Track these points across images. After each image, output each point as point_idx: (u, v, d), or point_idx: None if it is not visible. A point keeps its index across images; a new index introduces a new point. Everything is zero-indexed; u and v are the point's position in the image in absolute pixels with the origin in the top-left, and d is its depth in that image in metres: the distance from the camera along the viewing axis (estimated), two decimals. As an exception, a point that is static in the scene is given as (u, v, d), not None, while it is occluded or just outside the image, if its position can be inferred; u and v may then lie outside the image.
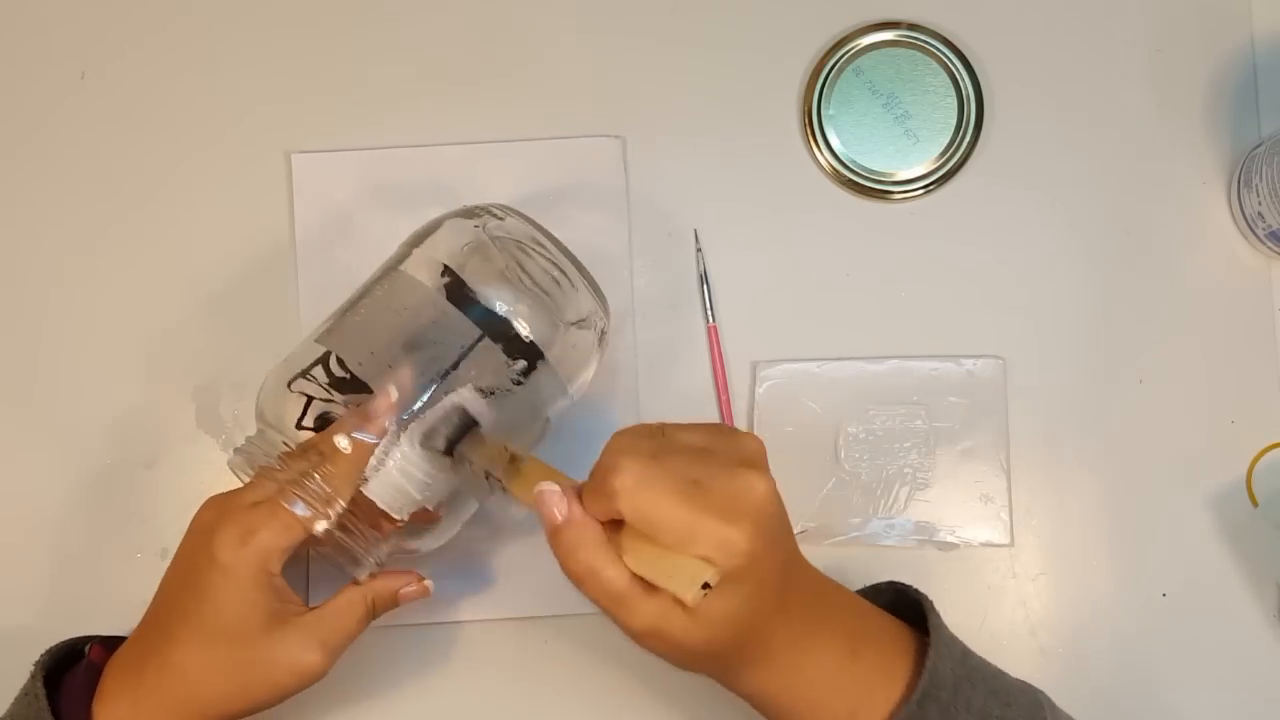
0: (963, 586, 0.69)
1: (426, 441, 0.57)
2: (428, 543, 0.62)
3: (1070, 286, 0.71)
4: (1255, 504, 0.69)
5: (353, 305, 0.62)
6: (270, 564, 0.56)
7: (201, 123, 0.74)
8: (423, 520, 0.60)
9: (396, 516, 0.58)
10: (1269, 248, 0.70)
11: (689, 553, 0.48)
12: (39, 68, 0.74)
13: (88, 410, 0.72)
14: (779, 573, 0.51)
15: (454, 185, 0.71)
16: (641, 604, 0.50)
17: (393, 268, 0.62)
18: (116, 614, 0.70)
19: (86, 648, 0.60)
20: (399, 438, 0.57)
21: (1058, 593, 0.70)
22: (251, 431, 0.61)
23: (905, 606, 0.58)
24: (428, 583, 0.62)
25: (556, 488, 0.51)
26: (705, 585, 0.48)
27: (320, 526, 0.56)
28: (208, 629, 0.56)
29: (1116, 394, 0.70)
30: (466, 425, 0.58)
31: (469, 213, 0.63)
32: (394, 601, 0.60)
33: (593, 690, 0.69)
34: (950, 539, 0.69)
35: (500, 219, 0.62)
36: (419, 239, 0.62)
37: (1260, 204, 0.67)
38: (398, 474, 0.57)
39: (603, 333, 0.64)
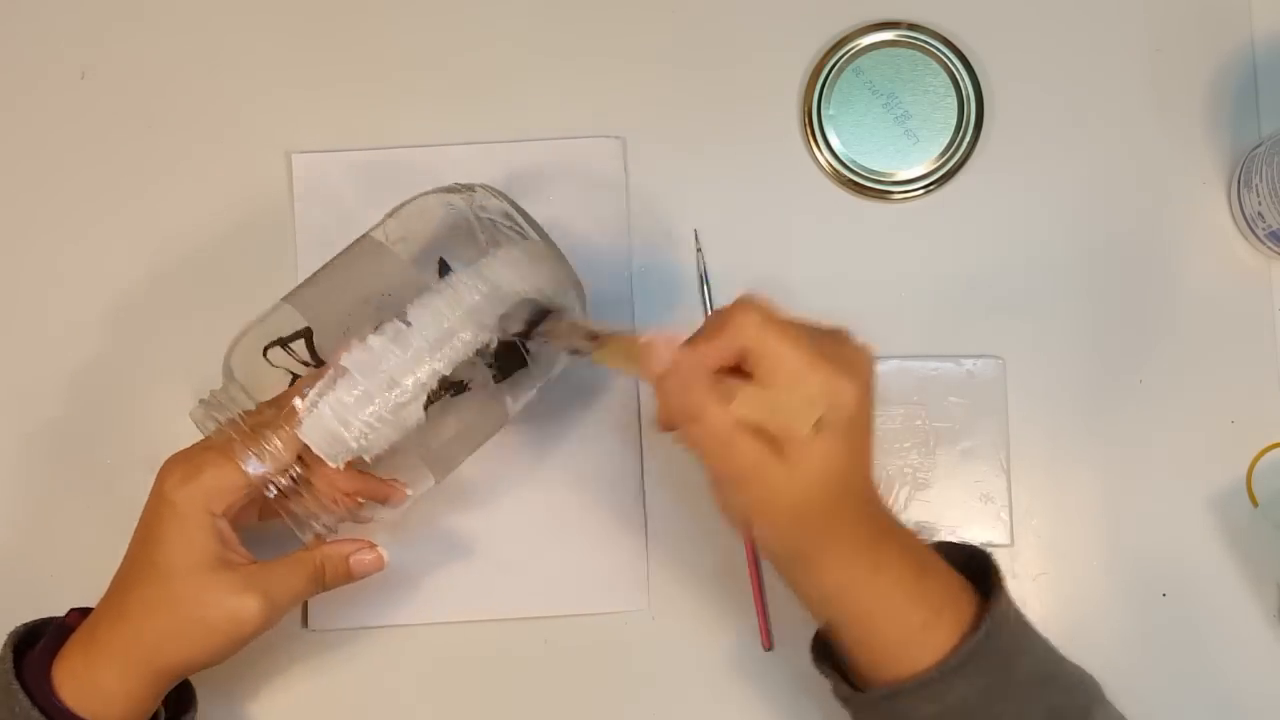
0: None
1: (505, 324, 0.57)
2: (381, 510, 0.62)
3: (1070, 286, 0.71)
4: (1255, 504, 0.69)
5: (325, 270, 0.62)
6: (212, 504, 0.56)
7: (201, 120, 0.74)
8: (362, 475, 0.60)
9: (331, 463, 0.57)
10: (1269, 248, 0.70)
11: (801, 394, 0.50)
12: (39, 68, 0.74)
13: (87, 410, 0.72)
14: (869, 453, 0.53)
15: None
16: (745, 444, 0.50)
17: (367, 236, 0.62)
18: (116, 614, 0.70)
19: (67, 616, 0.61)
20: (334, 382, 0.56)
21: (1058, 593, 0.70)
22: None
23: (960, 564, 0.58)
24: (381, 551, 0.61)
25: (664, 337, 0.52)
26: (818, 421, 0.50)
27: (257, 470, 0.56)
28: (150, 565, 0.57)
29: (1116, 394, 0.70)
30: (543, 311, 0.58)
31: (452, 188, 0.63)
32: (346, 570, 0.60)
33: (592, 691, 0.69)
34: (950, 539, 0.69)
35: (481, 197, 0.62)
36: (397, 210, 0.63)
37: (1260, 204, 0.67)
38: (330, 416, 0.56)
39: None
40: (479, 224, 0.61)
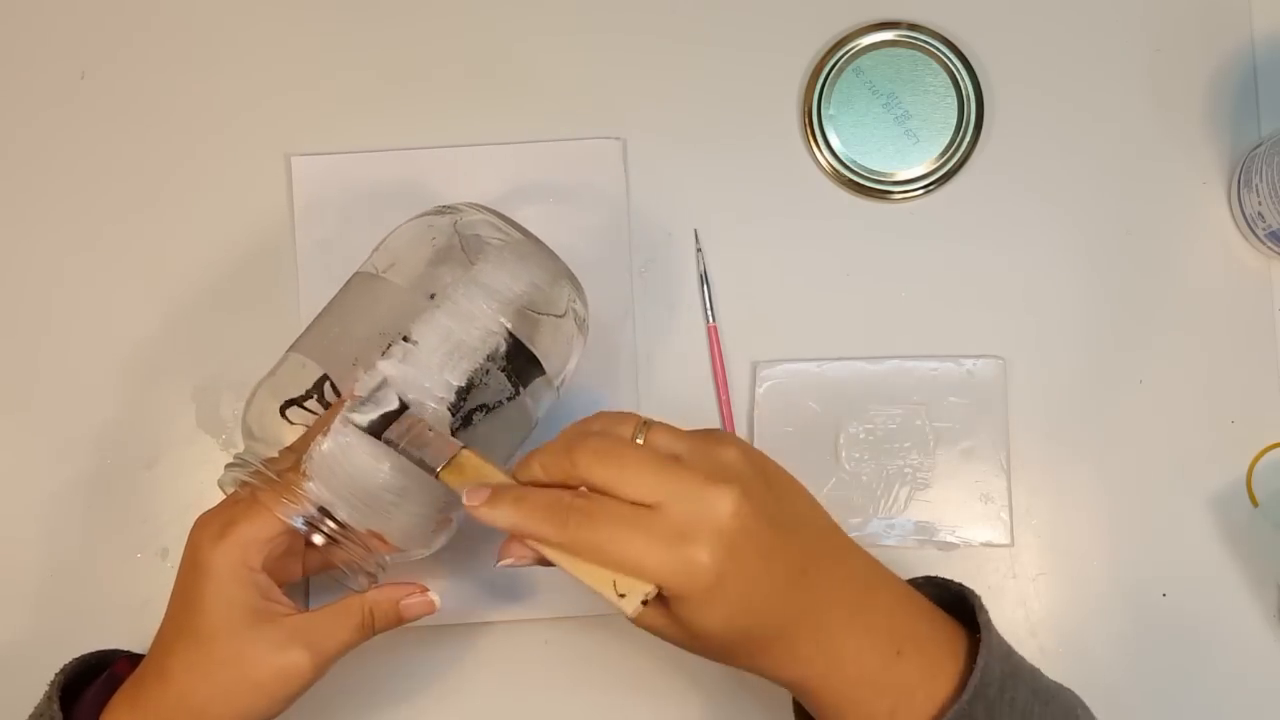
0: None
1: (360, 421, 0.55)
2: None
3: (1070, 286, 0.71)
4: (1255, 504, 0.69)
5: (325, 313, 0.61)
6: (248, 558, 0.55)
7: (201, 123, 0.74)
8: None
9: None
10: (1269, 248, 0.70)
11: (641, 576, 0.48)
12: (39, 68, 0.74)
13: (87, 411, 0.72)
14: (784, 576, 0.50)
15: (454, 187, 0.71)
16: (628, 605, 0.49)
17: (358, 273, 0.62)
18: (117, 615, 0.70)
19: (114, 661, 0.60)
20: (339, 420, 0.55)
21: (1058, 593, 0.70)
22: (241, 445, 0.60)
23: (949, 601, 0.57)
24: (432, 596, 0.59)
25: (484, 490, 0.51)
26: (645, 600, 0.48)
27: (290, 514, 0.55)
28: (191, 629, 0.55)
29: (1116, 394, 0.70)
30: (397, 409, 0.55)
31: (433, 211, 0.63)
32: (396, 615, 0.58)
33: (592, 691, 0.69)
34: (950, 539, 0.69)
35: (464, 214, 0.62)
36: (383, 243, 0.62)
37: (1260, 204, 0.67)
38: (337, 453, 0.54)
39: (582, 320, 0.62)
40: (464, 240, 0.60)
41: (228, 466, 0.58)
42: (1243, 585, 0.69)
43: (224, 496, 0.58)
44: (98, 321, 0.72)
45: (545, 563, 0.51)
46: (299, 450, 0.56)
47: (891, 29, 0.72)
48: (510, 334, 0.58)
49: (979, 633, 0.53)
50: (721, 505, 0.48)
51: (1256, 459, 0.70)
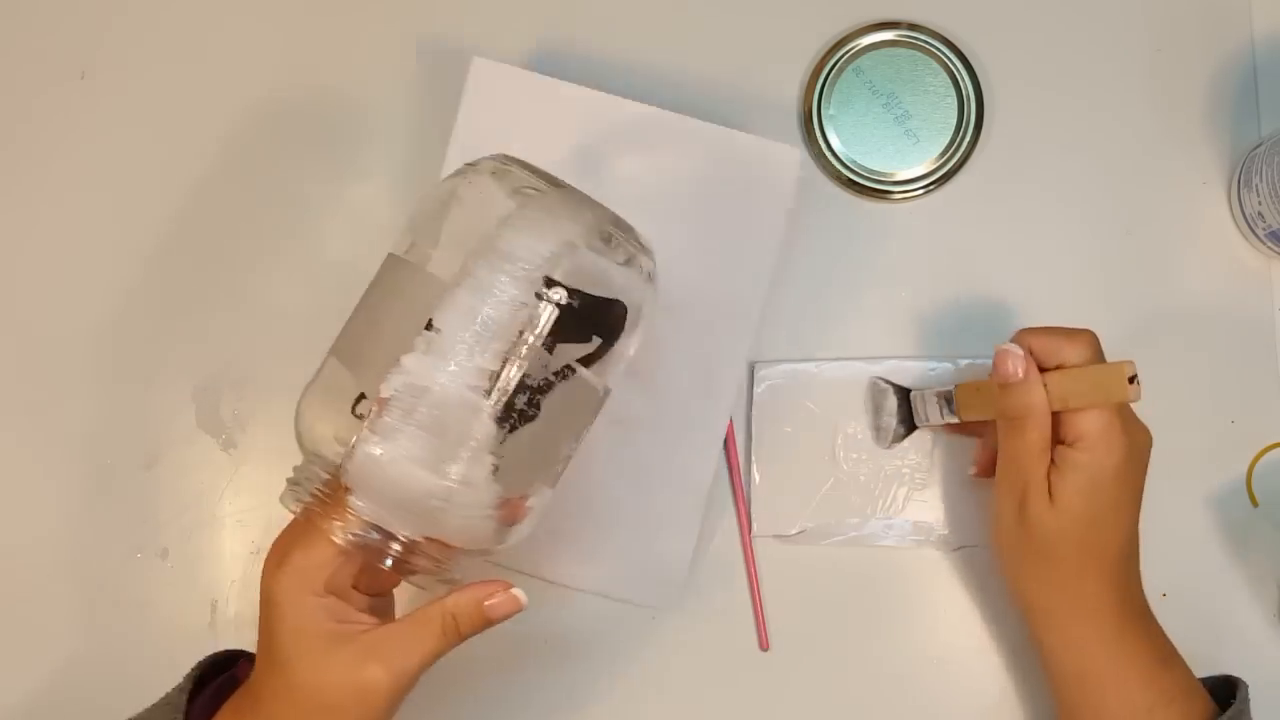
0: (962, 586, 0.69)
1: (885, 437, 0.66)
2: (509, 533, 0.56)
3: (1070, 286, 0.71)
4: (1255, 504, 0.69)
5: (358, 308, 0.57)
6: (310, 583, 0.53)
7: (202, 124, 0.74)
8: None
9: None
10: (1269, 248, 0.70)
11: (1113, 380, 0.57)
12: (39, 68, 0.74)
13: (88, 411, 0.72)
14: (1133, 520, 0.59)
15: (617, 142, 0.69)
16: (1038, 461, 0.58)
17: (389, 255, 0.57)
18: (117, 615, 0.70)
19: (238, 662, 0.60)
20: (365, 429, 0.51)
21: (1058, 593, 0.69)
22: (266, 441, 0.59)
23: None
24: (516, 592, 0.55)
25: (1018, 349, 0.59)
26: (1132, 380, 0.57)
27: (344, 536, 0.52)
28: (269, 656, 0.54)
29: (1116, 394, 0.70)
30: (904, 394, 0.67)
31: (456, 172, 0.57)
32: (481, 616, 0.55)
33: (589, 677, 0.70)
34: (949, 539, 0.69)
35: (485, 169, 0.57)
36: (411, 216, 0.58)
37: (1260, 204, 0.67)
38: (369, 465, 0.51)
39: (642, 270, 0.56)
40: (483, 202, 0.55)
41: (287, 482, 0.56)
42: (1243, 585, 0.69)
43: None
44: (97, 320, 0.72)
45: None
46: None
47: (891, 29, 0.72)
48: (548, 301, 0.52)
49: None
50: (1145, 436, 0.59)
51: (1256, 459, 0.70)
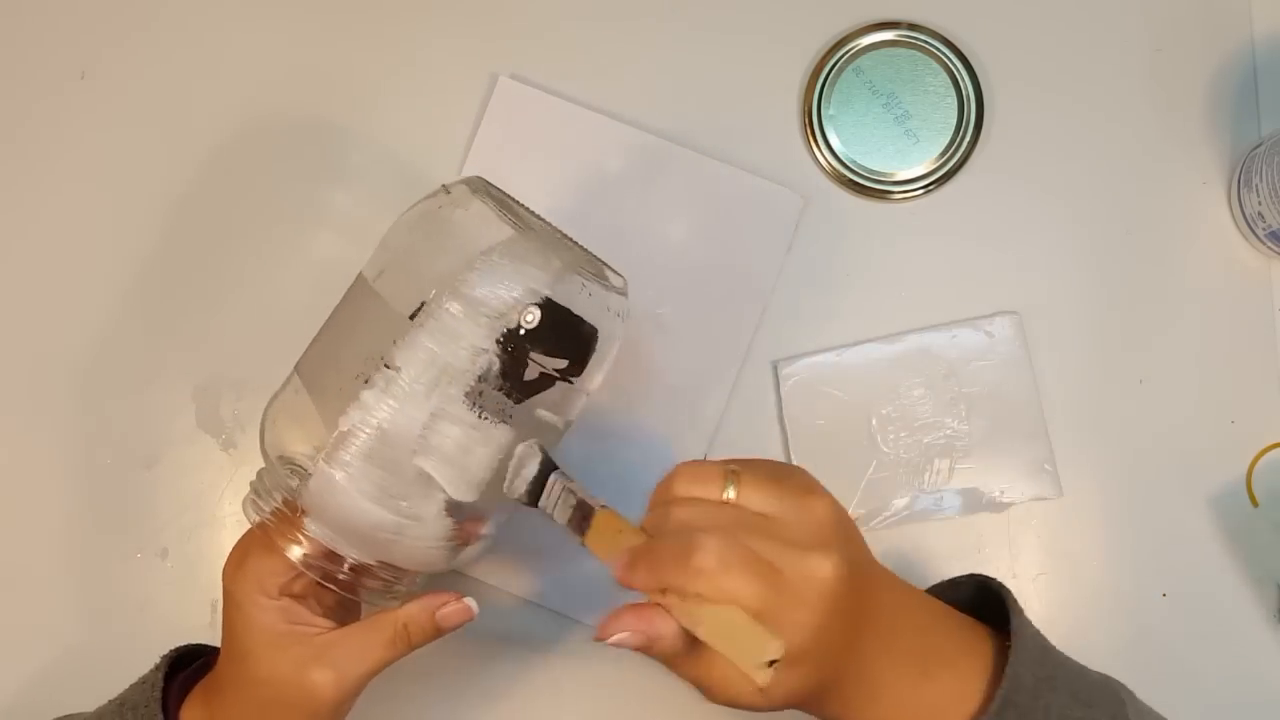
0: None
1: (510, 489, 0.54)
2: (463, 552, 0.57)
3: (1070, 286, 0.71)
4: (1255, 504, 0.69)
5: (325, 327, 0.58)
6: (265, 587, 0.55)
7: (201, 124, 0.74)
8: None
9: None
10: (1269, 248, 0.70)
11: (753, 639, 0.48)
12: (39, 68, 0.74)
13: (87, 411, 0.72)
14: (848, 627, 0.50)
15: (628, 170, 0.71)
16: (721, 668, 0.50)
17: (359, 276, 0.57)
18: (117, 614, 0.70)
19: (212, 650, 0.61)
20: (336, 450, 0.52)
21: (1057, 593, 0.69)
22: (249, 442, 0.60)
23: (985, 599, 0.57)
24: (468, 601, 0.57)
25: (622, 558, 0.50)
26: (772, 662, 0.48)
27: (299, 556, 0.54)
28: (229, 647, 0.56)
29: (1116, 394, 0.70)
30: (542, 471, 0.54)
31: (431, 195, 0.57)
32: (433, 626, 0.56)
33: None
34: (1001, 499, 0.69)
35: (459, 197, 0.56)
36: (387, 236, 0.57)
37: (1260, 204, 0.67)
38: (323, 493, 0.52)
39: (620, 314, 0.57)
40: (454, 234, 0.55)
41: (250, 487, 0.57)
42: (1243, 585, 0.69)
43: None
44: (98, 320, 0.72)
45: (645, 650, 0.50)
46: None
47: (891, 29, 0.72)
48: (506, 349, 0.53)
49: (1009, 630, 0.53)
50: (824, 570, 0.49)
51: (1256, 459, 0.70)
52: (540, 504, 0.54)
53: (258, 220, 0.73)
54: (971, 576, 0.59)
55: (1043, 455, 0.69)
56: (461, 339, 0.52)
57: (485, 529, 0.57)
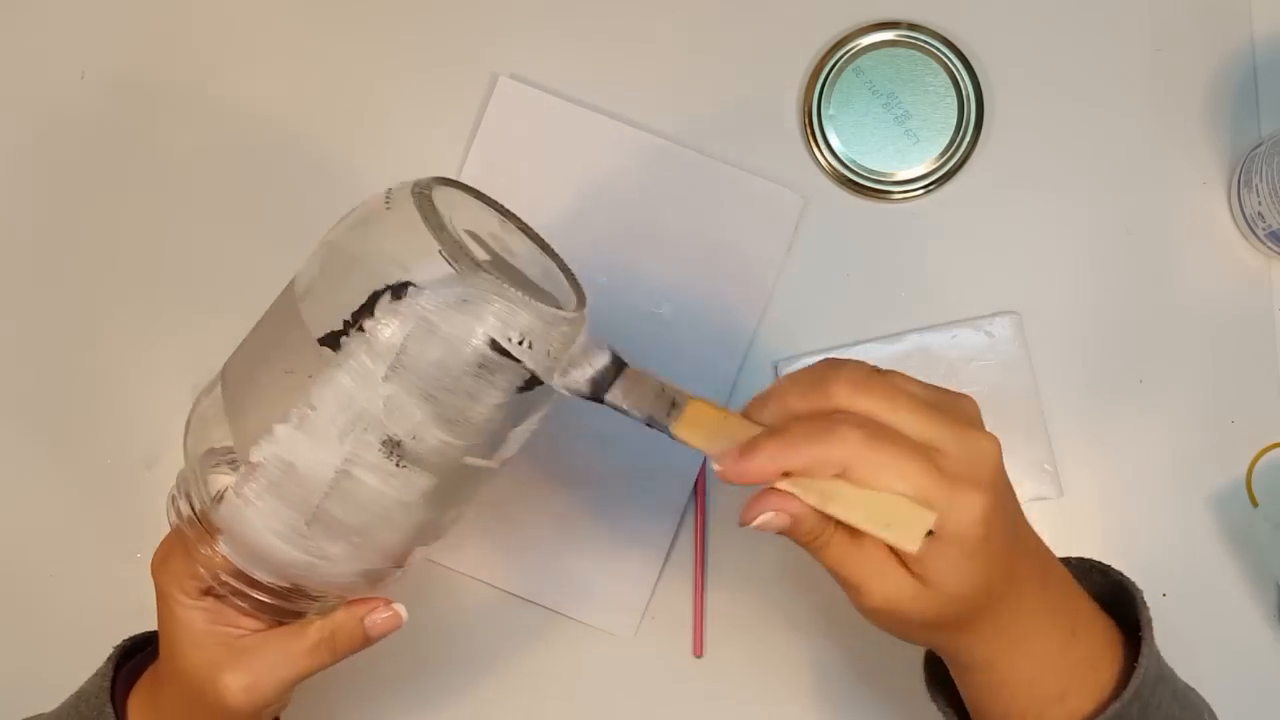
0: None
1: (570, 382, 0.49)
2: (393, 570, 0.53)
3: (1070, 286, 0.71)
4: (1255, 504, 0.69)
5: (251, 334, 0.54)
6: (184, 587, 0.53)
7: (201, 124, 0.74)
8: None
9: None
10: (1269, 248, 0.70)
11: (905, 505, 0.44)
12: (39, 68, 0.74)
13: (87, 411, 0.72)
14: (1010, 540, 0.47)
15: (628, 171, 0.71)
16: (862, 552, 0.46)
17: (291, 282, 0.53)
18: (116, 615, 0.70)
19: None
20: (246, 480, 0.49)
21: (1058, 593, 0.69)
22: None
23: (1107, 591, 0.55)
24: (398, 607, 0.54)
25: (732, 451, 0.46)
26: (930, 532, 0.44)
27: (206, 569, 0.52)
28: (162, 645, 0.55)
29: (1116, 394, 0.70)
30: (619, 365, 0.49)
31: (381, 201, 0.51)
32: (361, 634, 0.54)
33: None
34: (1096, 560, 0.69)
35: (414, 200, 0.50)
36: (326, 237, 0.53)
37: (1260, 204, 0.67)
38: (232, 522, 0.50)
39: (552, 358, 0.50)
40: (382, 249, 0.49)
41: (175, 482, 0.55)
42: (1243, 585, 0.69)
43: None
44: (98, 320, 0.72)
45: (791, 532, 0.46)
46: None
47: (891, 29, 0.72)
48: (428, 398, 0.47)
49: (1133, 623, 0.52)
50: (993, 456, 0.45)
51: (1256, 459, 0.69)
52: (607, 398, 0.49)
53: (258, 220, 0.73)
54: (1084, 560, 0.56)
55: (1043, 455, 0.69)
56: (378, 387, 0.47)
57: (408, 561, 0.53)
